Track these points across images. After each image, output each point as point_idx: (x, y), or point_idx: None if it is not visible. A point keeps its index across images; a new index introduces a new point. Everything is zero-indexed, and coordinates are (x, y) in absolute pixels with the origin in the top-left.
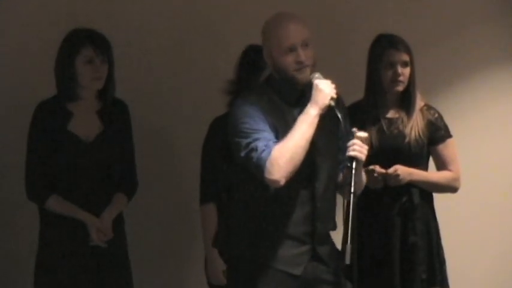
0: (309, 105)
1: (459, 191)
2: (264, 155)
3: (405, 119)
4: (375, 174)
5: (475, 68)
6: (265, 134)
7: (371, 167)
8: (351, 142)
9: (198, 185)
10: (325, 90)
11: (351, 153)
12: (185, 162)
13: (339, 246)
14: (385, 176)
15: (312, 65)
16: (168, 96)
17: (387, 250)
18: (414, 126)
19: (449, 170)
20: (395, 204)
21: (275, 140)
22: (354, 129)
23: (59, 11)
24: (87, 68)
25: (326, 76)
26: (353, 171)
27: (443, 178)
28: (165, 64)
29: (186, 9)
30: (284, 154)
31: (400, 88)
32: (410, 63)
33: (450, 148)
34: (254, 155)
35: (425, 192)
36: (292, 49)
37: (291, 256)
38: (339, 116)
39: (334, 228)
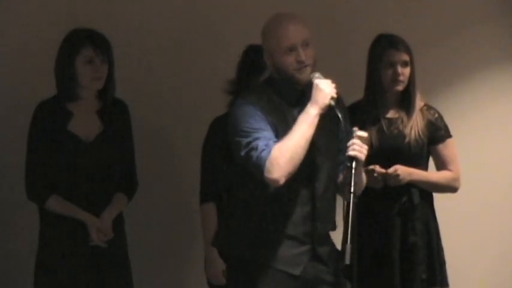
0: (309, 105)
1: (459, 191)
2: (264, 154)
3: (405, 119)
4: (375, 174)
5: (475, 68)
6: (266, 133)
7: (371, 167)
8: (350, 142)
9: (198, 185)
10: (325, 89)
11: (351, 152)
12: (185, 162)
13: (339, 246)
14: (385, 176)
15: (312, 65)
16: (168, 96)
17: (387, 250)
18: (414, 126)
19: (449, 170)
20: (395, 204)
21: (275, 139)
22: (354, 129)
23: (59, 11)
24: (87, 68)
25: (326, 76)
26: (353, 171)
27: (443, 178)
28: (165, 64)
29: (186, 9)
30: (284, 153)
31: (400, 88)
32: (410, 63)
33: (450, 148)
34: (254, 154)
35: (425, 192)
36: (292, 49)
37: (290, 256)
38: (339, 115)
39: (334, 228)
